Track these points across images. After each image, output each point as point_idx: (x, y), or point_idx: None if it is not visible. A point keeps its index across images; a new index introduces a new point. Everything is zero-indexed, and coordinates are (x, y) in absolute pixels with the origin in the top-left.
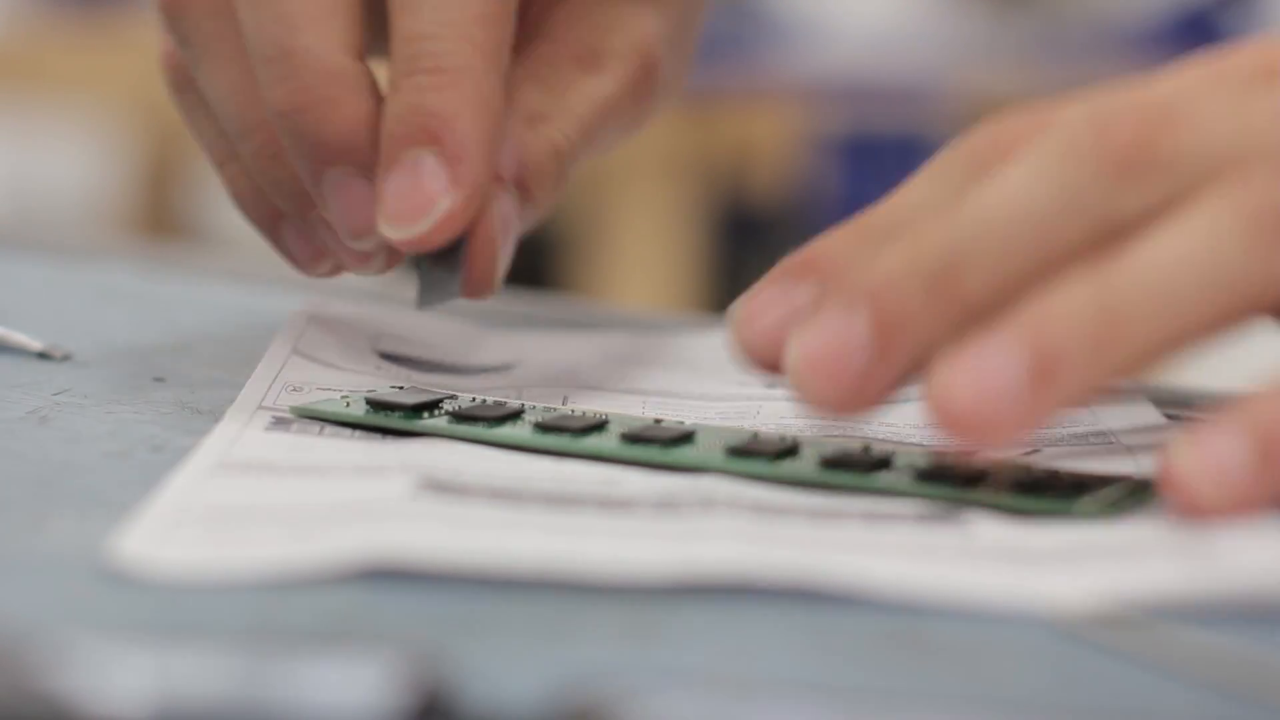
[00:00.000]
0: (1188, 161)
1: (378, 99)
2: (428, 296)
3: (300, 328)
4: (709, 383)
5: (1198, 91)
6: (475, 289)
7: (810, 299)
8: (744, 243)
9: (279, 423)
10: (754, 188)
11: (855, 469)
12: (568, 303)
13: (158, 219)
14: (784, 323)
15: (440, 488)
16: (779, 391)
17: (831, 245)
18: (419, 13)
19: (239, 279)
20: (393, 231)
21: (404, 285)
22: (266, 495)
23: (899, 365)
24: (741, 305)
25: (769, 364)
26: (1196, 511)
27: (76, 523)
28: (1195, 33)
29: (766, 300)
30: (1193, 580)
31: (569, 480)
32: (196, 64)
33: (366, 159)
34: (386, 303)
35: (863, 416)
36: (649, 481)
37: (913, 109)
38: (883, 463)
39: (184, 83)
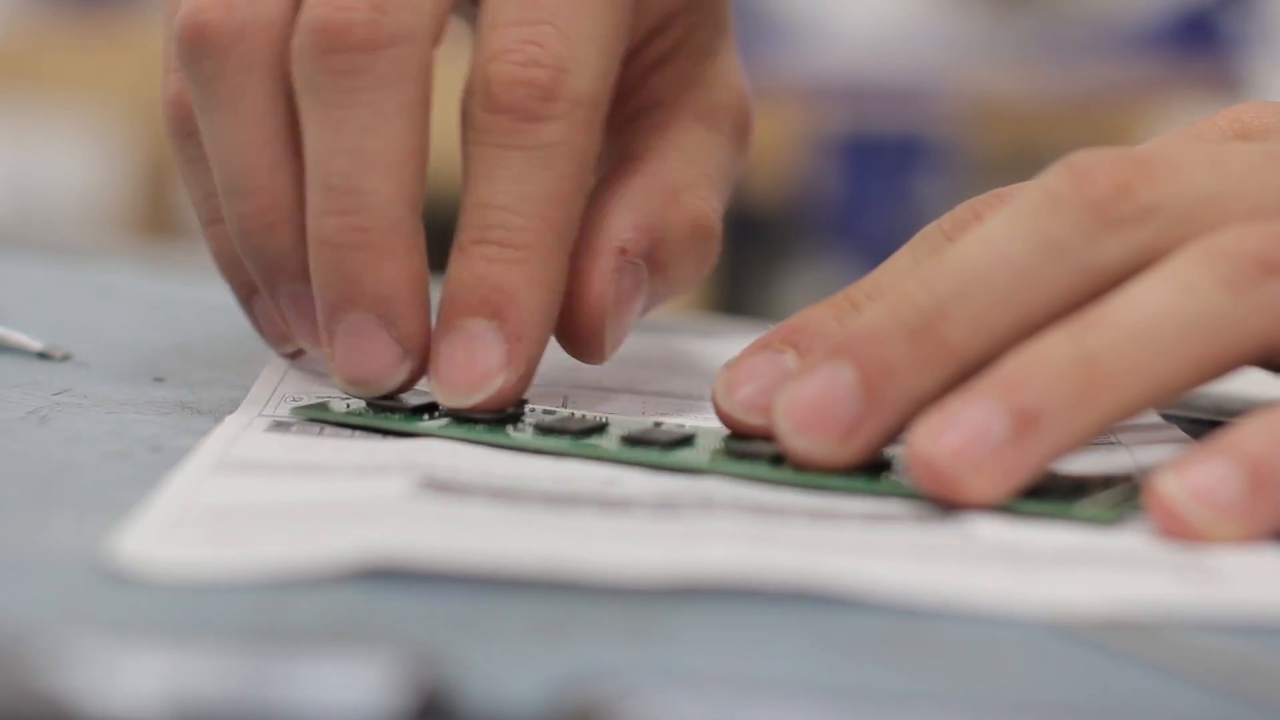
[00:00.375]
0: (1166, 210)
1: (423, 259)
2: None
3: None
4: (709, 383)
5: (1175, 146)
6: (581, 353)
7: (793, 364)
8: (744, 243)
9: (279, 425)
10: (754, 187)
11: (857, 472)
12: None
13: (158, 219)
14: (768, 389)
15: (440, 487)
16: None
17: (812, 315)
18: (496, 182)
19: None
20: (444, 397)
21: None
22: (266, 495)
23: (888, 415)
24: (723, 373)
25: (753, 429)
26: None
27: (76, 523)
28: (1195, 33)
29: (749, 368)
30: (1188, 599)
31: (568, 480)
32: (208, 110)
33: (396, 314)
34: None
35: (852, 467)
36: (648, 482)
37: (913, 109)
38: (884, 464)
39: (187, 129)
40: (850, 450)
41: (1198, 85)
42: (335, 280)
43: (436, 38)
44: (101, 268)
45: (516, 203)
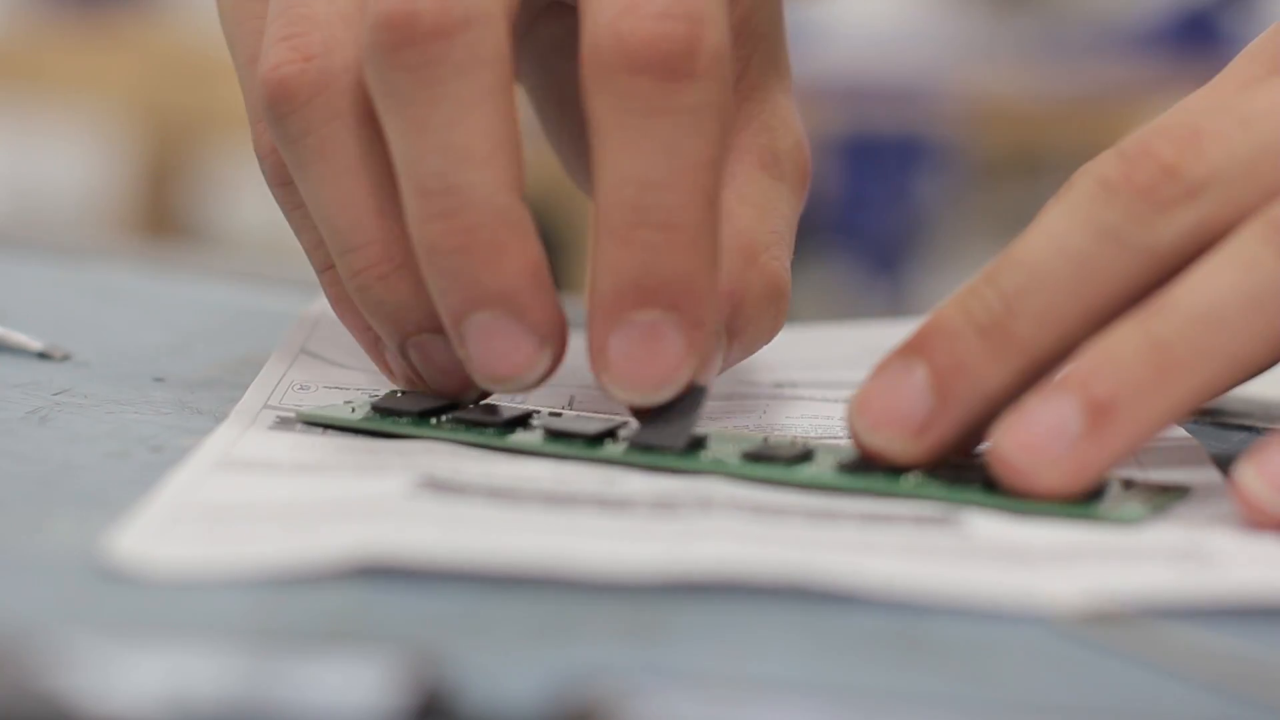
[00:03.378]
0: (1215, 183)
1: (538, 243)
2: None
3: (309, 327)
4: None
5: (1217, 108)
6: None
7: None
8: None
9: (283, 423)
10: None
11: (875, 472)
12: (568, 303)
13: (158, 219)
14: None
15: (439, 487)
16: (785, 391)
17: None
18: (644, 154)
19: (239, 279)
20: (623, 394)
21: None
22: (265, 493)
23: (960, 412)
24: (855, 394)
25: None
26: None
27: (76, 523)
28: (1195, 33)
29: (880, 387)
30: (1189, 587)
31: (568, 480)
32: (302, 168)
33: (523, 305)
34: None
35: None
36: (648, 482)
37: (913, 109)
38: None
39: (283, 178)
40: (923, 447)
41: (1198, 85)
42: (453, 286)
43: (511, 15)
44: (101, 268)
45: (671, 177)
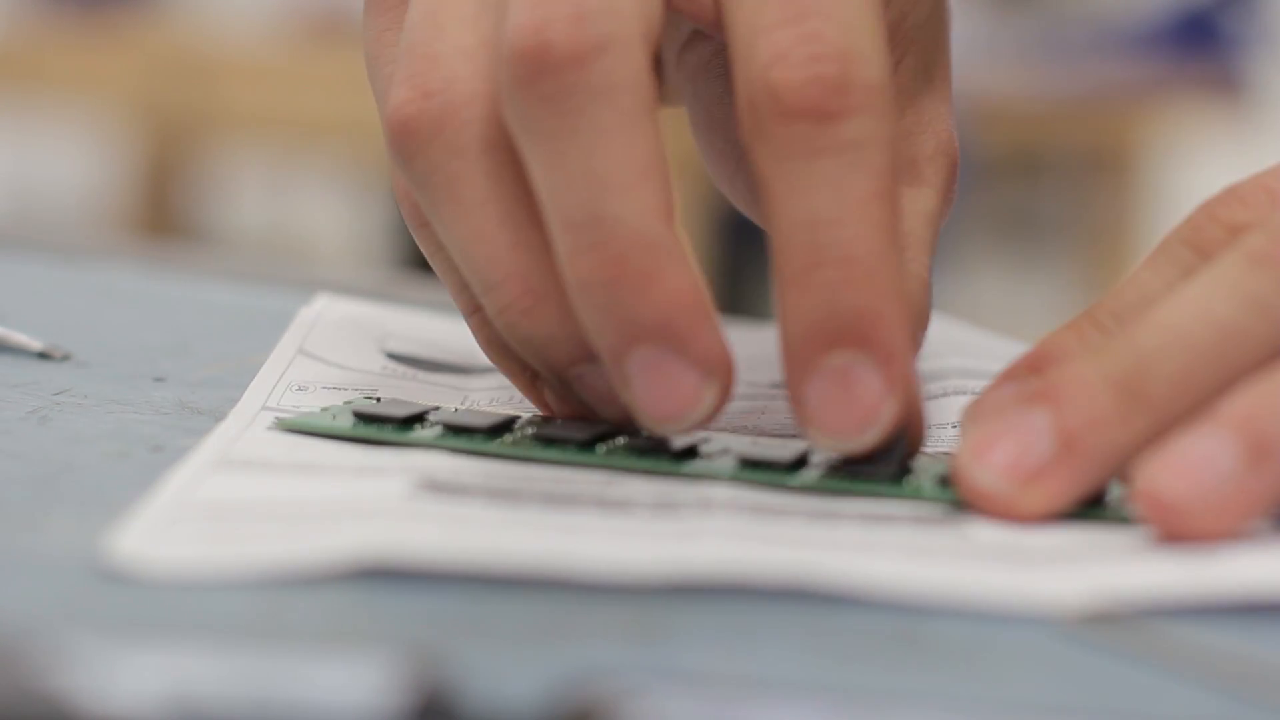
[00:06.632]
0: None
1: (694, 269)
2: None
3: (307, 327)
4: None
5: None
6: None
7: (1045, 424)
8: (744, 243)
9: (280, 423)
10: None
11: (875, 476)
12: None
13: (158, 219)
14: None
15: (438, 487)
16: (785, 391)
17: (1057, 340)
18: (810, 196)
19: (239, 279)
20: (829, 443)
21: (410, 285)
22: (265, 493)
23: (1082, 466)
24: (969, 429)
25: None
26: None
27: (76, 523)
28: (1195, 33)
29: (999, 427)
30: (1189, 583)
31: (568, 481)
32: (434, 208)
33: (682, 336)
34: (394, 302)
35: (1045, 519)
36: (647, 482)
37: None
38: (904, 470)
39: (421, 219)
40: (1036, 496)
41: (1198, 85)
42: (608, 322)
43: (650, 38)
44: (101, 268)
45: (842, 213)
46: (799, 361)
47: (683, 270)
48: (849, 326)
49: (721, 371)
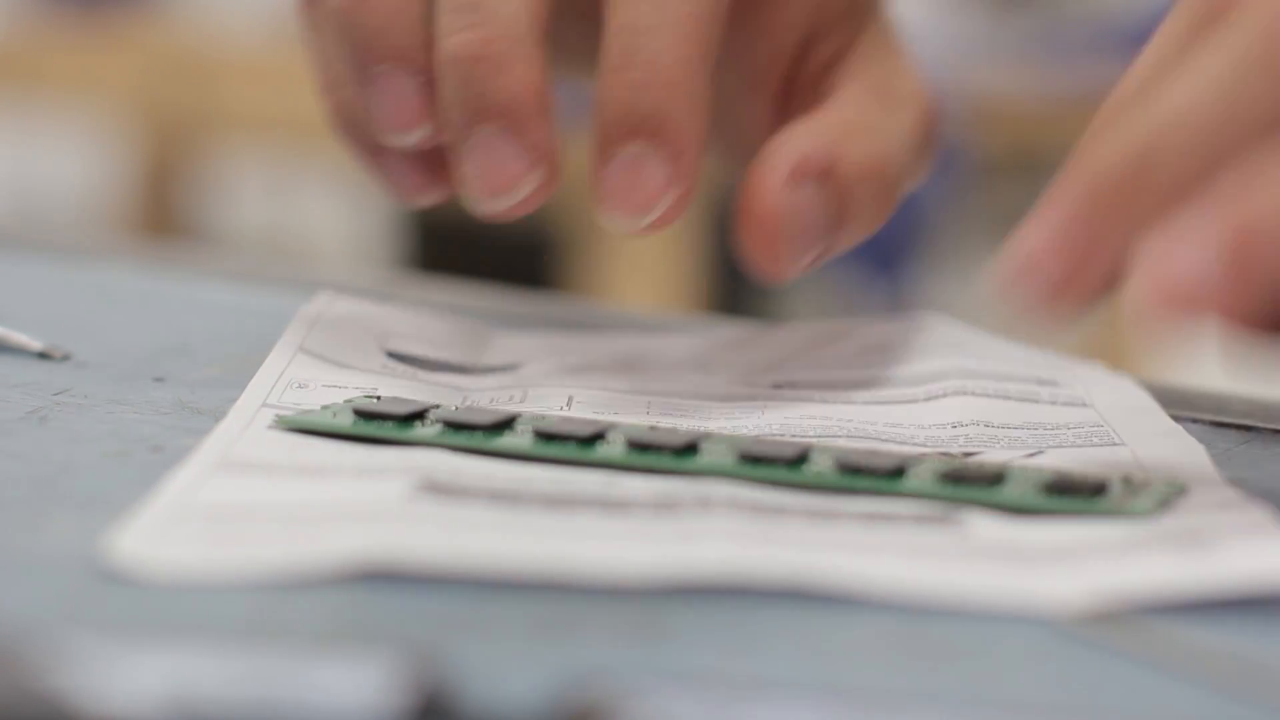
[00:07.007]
0: None
1: (545, 73)
2: None
3: (307, 325)
4: (714, 383)
5: None
6: (761, 259)
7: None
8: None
9: (280, 422)
10: None
11: (875, 473)
12: (569, 303)
13: (158, 219)
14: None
15: (439, 489)
16: (785, 391)
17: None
18: (635, 6)
19: (239, 279)
20: (615, 221)
21: (410, 285)
22: (265, 495)
23: (1109, 251)
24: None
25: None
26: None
27: (76, 523)
28: None
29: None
30: (1189, 578)
31: (568, 482)
32: None
33: (521, 124)
34: (395, 301)
35: (1075, 309)
36: (647, 482)
37: None
38: (900, 468)
39: None
40: (1076, 286)
41: None
42: (463, 96)
43: None
44: (101, 268)
45: (658, 23)
46: (601, 147)
47: (534, 68)
48: (645, 122)
49: (547, 165)
